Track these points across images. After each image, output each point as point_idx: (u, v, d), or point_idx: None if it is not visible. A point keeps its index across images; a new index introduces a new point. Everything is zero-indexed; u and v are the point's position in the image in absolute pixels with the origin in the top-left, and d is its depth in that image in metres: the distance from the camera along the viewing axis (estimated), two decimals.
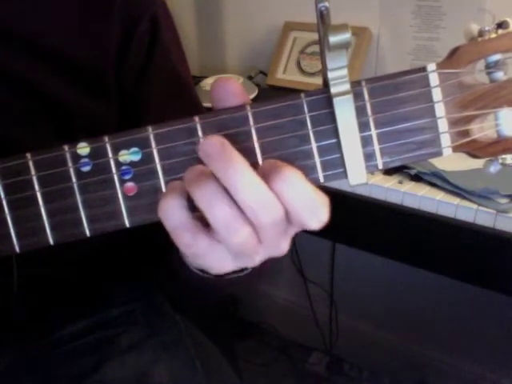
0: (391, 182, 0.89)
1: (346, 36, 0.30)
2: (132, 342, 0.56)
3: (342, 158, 0.33)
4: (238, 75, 1.31)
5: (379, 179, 0.89)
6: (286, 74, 1.30)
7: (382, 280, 1.42)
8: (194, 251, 0.32)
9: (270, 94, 1.27)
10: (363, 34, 1.19)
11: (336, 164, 0.33)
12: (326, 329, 1.53)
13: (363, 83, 0.33)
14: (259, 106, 0.33)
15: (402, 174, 0.91)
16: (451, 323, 1.33)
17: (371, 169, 0.33)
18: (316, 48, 1.26)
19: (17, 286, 0.46)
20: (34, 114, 0.49)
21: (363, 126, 0.32)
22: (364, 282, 1.45)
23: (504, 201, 0.79)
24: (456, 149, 0.33)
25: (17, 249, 0.35)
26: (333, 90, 0.31)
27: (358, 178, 0.33)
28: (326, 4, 0.32)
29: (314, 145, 0.33)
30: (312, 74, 1.26)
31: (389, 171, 0.91)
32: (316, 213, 0.31)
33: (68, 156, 0.34)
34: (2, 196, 0.34)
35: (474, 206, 0.80)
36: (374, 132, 0.33)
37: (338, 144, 0.32)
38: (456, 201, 0.82)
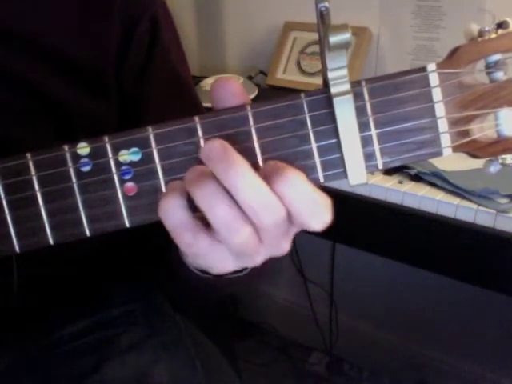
0: (391, 182, 0.89)
1: (346, 36, 0.30)
2: (132, 342, 0.56)
3: (342, 158, 0.33)
4: (238, 75, 1.31)
5: (379, 179, 0.89)
6: (285, 74, 1.30)
7: (382, 280, 1.42)
8: (195, 251, 0.32)
9: (270, 93, 1.27)
10: (363, 34, 1.19)
11: (336, 164, 0.33)
12: (326, 329, 1.53)
13: (363, 83, 0.33)
14: (259, 106, 0.33)
15: (402, 174, 0.91)
16: (451, 323, 1.33)
17: (371, 169, 0.33)
18: (316, 48, 1.26)
19: (17, 286, 0.46)
20: (33, 114, 0.49)
21: (363, 126, 0.32)
22: (364, 281, 1.45)
23: (504, 201, 0.79)
24: (456, 149, 0.33)
25: (17, 249, 0.35)
26: (333, 90, 0.31)
27: (358, 178, 0.33)
28: (326, 4, 0.32)
29: (313, 145, 0.33)
30: (312, 74, 1.26)
31: (389, 171, 0.91)
32: (318, 214, 0.31)
33: (68, 156, 0.34)
34: (2, 196, 0.34)
35: (474, 206, 0.80)
36: (373, 132, 0.33)
37: (338, 144, 0.32)
38: (456, 201, 0.82)
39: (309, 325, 1.54)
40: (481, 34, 0.32)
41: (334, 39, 0.30)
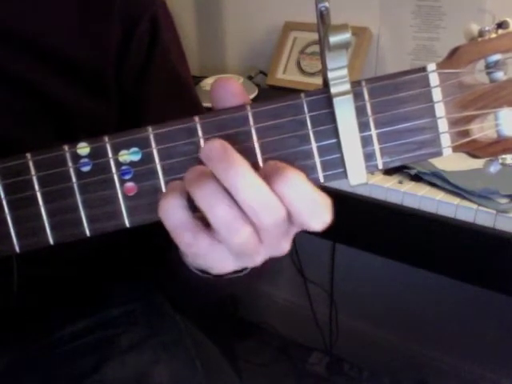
0: (391, 182, 0.89)
1: (346, 36, 0.30)
2: (132, 341, 0.56)
3: (342, 158, 0.33)
4: (238, 75, 1.31)
5: (379, 179, 0.89)
6: (285, 74, 1.30)
7: (382, 280, 1.42)
8: (195, 251, 0.32)
9: (270, 93, 1.27)
10: (363, 34, 1.19)
11: (336, 164, 0.33)
12: (326, 329, 1.53)
13: (363, 83, 0.33)
14: (259, 106, 0.33)
15: (402, 174, 0.91)
16: (451, 323, 1.33)
17: (371, 169, 0.33)
18: (316, 48, 1.26)
19: (17, 286, 0.46)
20: (34, 114, 0.49)
21: (363, 126, 0.32)
22: (364, 281, 1.45)
23: (504, 201, 0.79)
24: (456, 149, 0.33)
25: (17, 249, 0.35)
26: (333, 90, 0.31)
27: (358, 178, 0.33)
28: (326, 4, 0.32)
29: (314, 145, 0.33)
30: (312, 74, 1.26)
31: (389, 171, 0.91)
32: (318, 214, 0.31)
33: (68, 156, 0.34)
34: (2, 196, 0.34)
35: (474, 206, 0.80)
36: (373, 132, 0.33)
37: (338, 144, 0.32)
38: (456, 201, 0.82)
39: (309, 325, 1.54)
40: (481, 34, 0.32)
41: (334, 39, 0.30)
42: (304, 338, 1.60)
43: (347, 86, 0.32)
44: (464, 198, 0.82)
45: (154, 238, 0.48)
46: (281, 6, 1.34)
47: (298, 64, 1.29)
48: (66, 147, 0.34)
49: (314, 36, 1.22)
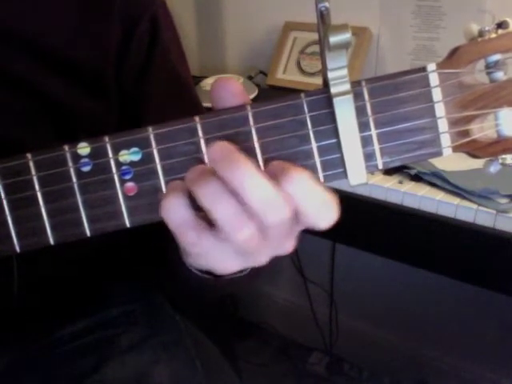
0: (391, 182, 0.89)
1: (346, 36, 0.30)
2: (132, 342, 0.56)
3: (342, 158, 0.33)
4: (238, 75, 1.31)
5: (379, 179, 0.89)
6: (286, 74, 1.30)
7: (382, 280, 1.42)
8: (198, 250, 0.32)
9: (270, 93, 1.27)
10: (363, 34, 1.19)
11: (336, 164, 0.33)
12: (326, 329, 1.53)
13: (363, 83, 0.33)
14: (259, 106, 0.33)
15: (402, 174, 0.91)
16: (451, 323, 1.33)
17: (371, 169, 0.33)
18: (316, 48, 1.26)
19: (17, 286, 0.46)
20: (33, 114, 0.49)
21: (363, 126, 0.32)
22: (364, 281, 1.45)
23: (504, 201, 0.79)
24: (456, 149, 0.33)
25: (17, 249, 0.35)
26: (333, 90, 0.31)
27: (358, 178, 0.33)
28: (326, 4, 0.32)
29: (314, 145, 0.33)
30: (312, 74, 1.26)
31: (389, 171, 0.91)
32: (326, 213, 0.31)
33: (68, 156, 0.34)
34: (3, 196, 0.34)
35: (474, 206, 0.80)
36: (374, 132, 0.33)
37: (338, 144, 0.32)
38: (456, 201, 0.82)
39: (309, 325, 1.54)
40: (481, 34, 0.32)
41: (334, 39, 0.30)
42: (304, 338, 1.60)
43: (347, 86, 0.32)
44: (464, 197, 0.82)
45: (154, 238, 0.48)
46: (281, 6, 1.34)
47: (298, 64, 1.29)
48: (66, 147, 0.34)
49: (314, 36, 1.22)
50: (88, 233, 0.35)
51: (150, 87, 0.55)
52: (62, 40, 0.50)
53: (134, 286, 0.63)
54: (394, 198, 0.87)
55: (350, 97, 0.32)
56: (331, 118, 0.32)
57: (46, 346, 0.55)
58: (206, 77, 1.31)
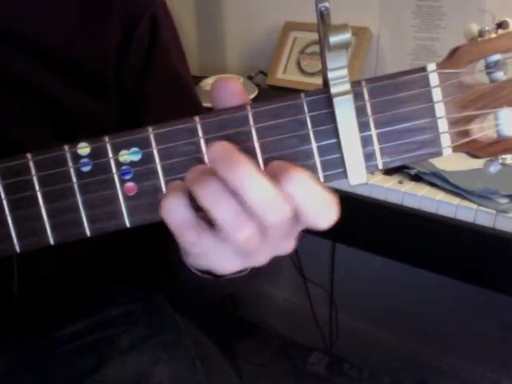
0: (391, 182, 0.89)
1: (346, 36, 0.30)
2: (132, 342, 0.56)
3: (342, 158, 0.33)
4: (238, 75, 1.31)
5: (379, 179, 0.89)
6: (286, 74, 1.30)
7: (382, 280, 1.42)
8: (198, 251, 0.32)
9: (269, 93, 1.27)
10: (363, 34, 1.19)
11: (336, 164, 0.33)
12: (326, 329, 1.53)
13: (363, 83, 0.33)
14: (259, 106, 0.33)
15: (402, 174, 0.91)
16: (451, 323, 1.33)
17: (371, 169, 0.33)
18: (316, 48, 1.26)
19: (17, 286, 0.46)
20: (34, 114, 0.49)
21: (363, 126, 0.32)
22: (364, 281, 1.45)
23: (504, 201, 0.79)
24: (456, 149, 0.33)
25: (17, 249, 0.35)
26: (333, 90, 0.31)
27: (358, 178, 0.33)
28: (327, 4, 0.32)
29: (314, 145, 0.33)
30: (312, 74, 1.26)
31: (389, 171, 0.91)
32: (326, 212, 0.31)
33: (68, 156, 0.34)
34: (3, 196, 0.34)
35: (474, 206, 0.80)
36: (374, 132, 0.33)
37: (338, 144, 0.32)
38: (456, 201, 0.82)
39: (309, 325, 1.54)
40: (481, 33, 0.32)
41: (334, 39, 0.30)
42: (304, 338, 1.60)
43: (347, 86, 0.32)
44: (464, 197, 0.82)
45: (155, 238, 0.48)
46: (281, 6, 1.34)
47: (298, 64, 1.29)
48: (66, 147, 0.34)
49: (314, 36, 1.22)
50: (88, 233, 0.35)
51: (150, 87, 0.55)
52: (62, 40, 0.50)
53: (134, 286, 0.63)
54: (394, 198, 0.87)
55: (350, 97, 0.32)
56: (331, 117, 0.32)
57: (46, 346, 0.55)
58: (206, 77, 1.31)
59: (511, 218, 0.77)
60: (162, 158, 0.33)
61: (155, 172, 0.34)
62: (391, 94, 0.32)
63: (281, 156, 0.33)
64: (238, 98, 0.33)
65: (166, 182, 0.34)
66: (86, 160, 0.34)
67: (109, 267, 0.59)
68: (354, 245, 1.02)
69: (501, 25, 0.32)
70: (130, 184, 0.34)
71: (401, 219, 0.87)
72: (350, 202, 0.90)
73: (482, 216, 0.79)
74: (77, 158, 0.34)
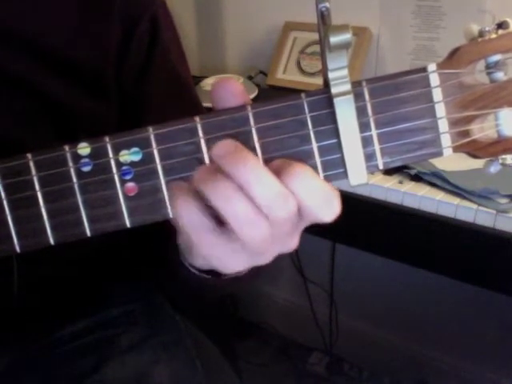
0: (391, 182, 0.89)
1: (346, 36, 0.30)
2: (132, 342, 0.56)
3: (342, 158, 0.33)
4: (238, 75, 1.31)
5: (379, 179, 0.89)
6: (286, 74, 1.30)
7: (382, 280, 1.42)
8: (212, 252, 0.32)
9: (269, 93, 1.27)
10: (363, 34, 1.19)
11: (336, 164, 0.33)
12: (326, 329, 1.53)
13: (364, 83, 0.33)
14: (260, 106, 0.33)
15: (402, 174, 0.91)
16: (451, 323, 1.33)
17: (372, 169, 0.33)
18: (316, 48, 1.26)
19: (17, 286, 0.46)
20: (34, 114, 0.49)
21: (364, 126, 0.32)
22: (364, 281, 1.45)
23: (504, 201, 0.79)
24: (456, 149, 0.33)
25: (17, 249, 0.35)
26: (333, 91, 0.32)
27: (359, 178, 0.33)
28: (327, 4, 0.32)
29: (314, 145, 0.33)
30: (312, 74, 1.26)
31: (389, 171, 0.91)
32: (329, 206, 0.31)
33: (69, 156, 0.34)
34: (3, 196, 0.34)
35: (474, 206, 0.80)
36: (374, 132, 0.33)
37: (339, 144, 0.32)
38: (456, 201, 0.82)
39: (309, 325, 1.54)
40: (481, 34, 0.32)
41: (334, 40, 0.30)
42: (304, 338, 1.60)
43: (348, 87, 0.32)
44: (464, 197, 0.82)
45: (155, 238, 0.48)
46: (281, 6, 1.34)
47: (298, 64, 1.29)
48: (66, 147, 0.34)
49: (314, 36, 1.22)
50: (88, 233, 0.35)
51: (150, 87, 0.55)
52: (62, 40, 0.50)
53: (134, 286, 0.63)
54: (394, 198, 0.87)
55: (350, 97, 0.32)
56: (332, 118, 0.32)
57: (46, 346, 0.55)
58: (206, 77, 1.31)
59: (511, 218, 0.77)
60: (162, 158, 0.33)
61: (156, 172, 0.34)
62: (392, 95, 0.32)
63: (281, 156, 0.33)
64: (238, 98, 0.33)
65: (167, 182, 0.33)
66: (86, 160, 0.34)
67: (109, 267, 0.59)
68: (354, 245, 1.02)
69: (501, 25, 0.32)
70: (130, 184, 0.34)
71: (401, 219, 0.87)
72: (350, 202, 0.89)
73: (481, 216, 0.79)
74: (77, 158, 0.34)
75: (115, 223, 0.34)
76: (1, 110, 0.48)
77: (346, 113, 0.32)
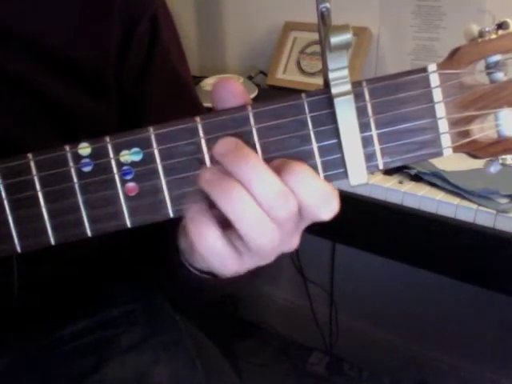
0: (391, 182, 0.89)
1: (346, 37, 0.30)
2: (132, 342, 0.56)
3: (342, 158, 0.33)
4: (238, 75, 1.31)
5: (379, 179, 0.89)
6: (285, 74, 1.30)
7: (382, 280, 1.42)
8: (218, 260, 0.32)
9: (270, 93, 1.27)
10: (363, 34, 1.19)
11: (337, 164, 0.33)
12: (326, 329, 1.53)
13: (364, 83, 0.33)
14: (260, 107, 0.33)
15: (402, 174, 0.91)
16: (451, 323, 1.33)
17: (372, 169, 0.33)
18: (316, 48, 1.26)
19: (17, 286, 0.46)
20: (34, 114, 0.49)
21: (364, 127, 0.33)
22: (364, 281, 1.45)
23: (504, 201, 0.79)
24: (456, 149, 0.33)
25: (18, 249, 0.35)
26: (334, 91, 0.32)
27: (359, 178, 0.33)
28: (327, 5, 0.32)
29: (314, 145, 0.33)
30: (312, 74, 1.26)
31: (389, 171, 0.91)
32: (328, 204, 0.31)
33: (69, 156, 0.34)
34: (4, 196, 0.34)
35: (474, 206, 0.80)
36: (374, 132, 0.33)
37: (339, 144, 0.32)
38: (456, 201, 0.82)
39: (309, 325, 1.54)
40: (481, 34, 0.33)
41: (334, 40, 0.30)
42: (304, 338, 1.60)
43: (348, 87, 0.32)
44: (464, 197, 0.82)
45: (155, 239, 0.48)
46: (281, 6, 1.34)
47: (298, 64, 1.29)
48: (67, 147, 0.34)
49: (314, 36, 1.22)
50: (89, 233, 0.35)
51: (150, 87, 0.55)
52: (62, 40, 0.50)
53: (134, 286, 0.63)
54: (394, 198, 0.87)
55: (350, 97, 0.32)
56: (332, 118, 0.32)
57: (46, 346, 0.55)
58: (206, 77, 1.31)
59: (511, 218, 0.77)
60: (162, 158, 0.33)
61: (156, 172, 0.34)
62: (392, 95, 0.33)
63: (281, 156, 0.33)
64: (238, 98, 0.33)
65: (167, 182, 0.34)
66: (86, 160, 0.34)
67: (109, 267, 0.59)
68: (354, 245, 1.02)
69: (501, 25, 0.32)
70: (130, 184, 0.34)
71: (401, 219, 0.87)
72: (350, 202, 0.90)
73: (481, 216, 0.79)
74: (78, 158, 0.34)
75: (116, 223, 0.34)
76: (1, 110, 0.48)
77: (346, 113, 0.32)
